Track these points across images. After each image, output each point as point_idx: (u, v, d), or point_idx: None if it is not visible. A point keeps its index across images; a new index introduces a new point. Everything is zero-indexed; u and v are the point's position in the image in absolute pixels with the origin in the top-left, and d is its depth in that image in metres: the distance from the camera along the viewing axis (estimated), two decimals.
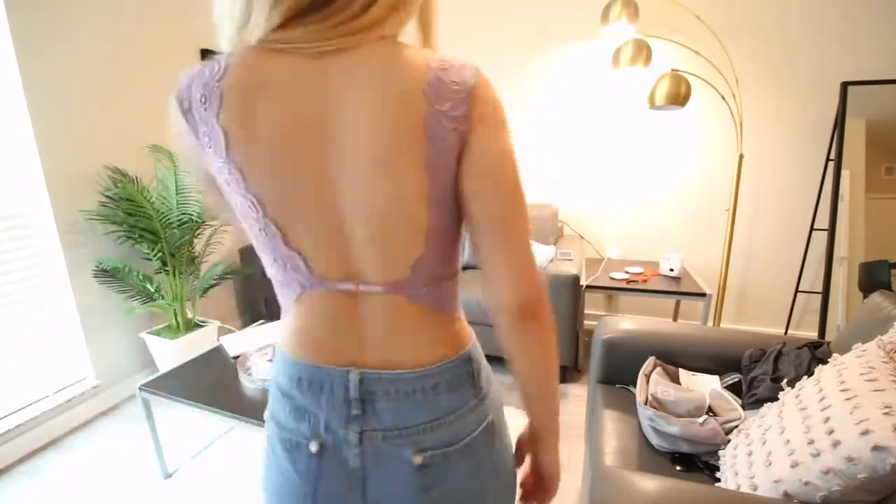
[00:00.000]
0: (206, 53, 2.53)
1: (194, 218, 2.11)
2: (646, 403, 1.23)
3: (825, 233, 2.30)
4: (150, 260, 2.11)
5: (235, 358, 1.76)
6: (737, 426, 1.13)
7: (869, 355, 0.94)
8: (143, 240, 2.06)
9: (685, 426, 1.13)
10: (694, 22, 2.22)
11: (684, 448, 1.14)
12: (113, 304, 2.13)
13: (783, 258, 2.52)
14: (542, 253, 2.30)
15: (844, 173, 2.22)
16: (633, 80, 2.52)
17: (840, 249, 2.24)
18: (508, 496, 0.59)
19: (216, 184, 0.51)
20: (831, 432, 0.82)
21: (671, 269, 2.30)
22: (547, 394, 0.57)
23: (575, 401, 2.13)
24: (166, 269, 2.12)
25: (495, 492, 0.56)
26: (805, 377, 1.07)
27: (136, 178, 2.14)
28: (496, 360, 2.37)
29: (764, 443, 0.95)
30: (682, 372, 1.39)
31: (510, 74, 2.71)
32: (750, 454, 0.97)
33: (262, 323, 2.06)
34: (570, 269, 2.13)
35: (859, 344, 1.02)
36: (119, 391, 2.19)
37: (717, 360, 1.41)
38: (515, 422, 1.92)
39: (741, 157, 2.26)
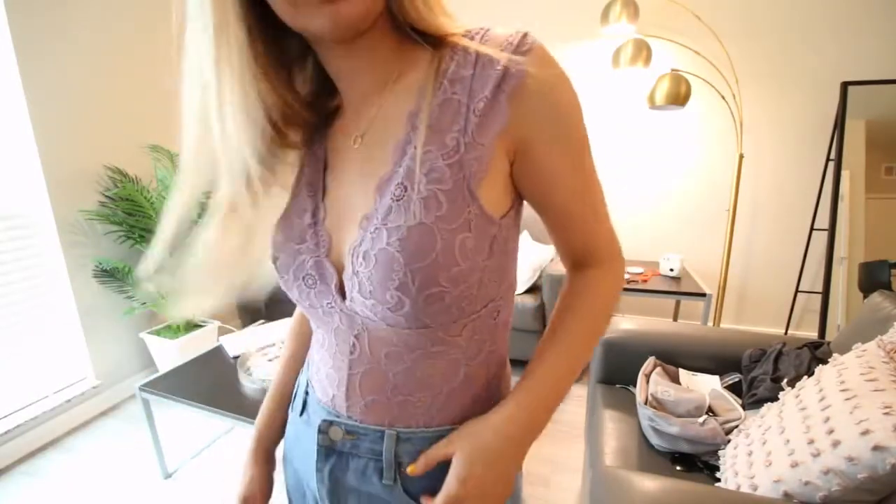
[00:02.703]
0: None
1: (194, 218, 2.10)
2: (646, 403, 1.23)
3: (825, 233, 2.30)
4: None
5: (235, 358, 1.76)
6: (737, 426, 1.13)
7: (869, 355, 0.94)
8: (143, 240, 2.06)
9: (685, 426, 1.13)
10: (694, 22, 2.22)
11: (684, 448, 1.14)
12: (113, 304, 2.13)
13: (783, 258, 2.52)
14: (541, 253, 2.30)
15: (844, 173, 2.22)
16: (633, 80, 2.52)
17: (840, 249, 2.24)
18: None
19: None
20: (831, 432, 0.81)
21: (671, 269, 2.30)
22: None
23: (575, 401, 2.13)
24: None
25: None
26: (805, 377, 1.07)
27: (136, 178, 2.14)
28: None
29: (764, 443, 0.95)
30: (682, 372, 1.39)
31: None
32: (750, 454, 0.97)
33: (262, 323, 2.05)
34: None
35: (859, 344, 1.02)
36: (119, 391, 2.19)
37: (717, 360, 1.41)
38: None
39: (741, 157, 2.26)
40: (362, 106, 0.44)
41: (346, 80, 0.44)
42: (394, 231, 0.38)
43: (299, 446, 0.54)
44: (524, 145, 0.40)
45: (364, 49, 0.41)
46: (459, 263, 0.39)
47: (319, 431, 0.48)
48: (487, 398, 0.49)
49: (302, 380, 0.56)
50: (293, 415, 0.56)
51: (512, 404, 0.45)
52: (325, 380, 0.48)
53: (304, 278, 0.45)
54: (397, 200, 0.39)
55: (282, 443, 0.61)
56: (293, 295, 0.47)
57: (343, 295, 0.43)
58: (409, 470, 0.44)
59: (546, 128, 0.40)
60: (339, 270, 0.43)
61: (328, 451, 0.48)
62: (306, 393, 0.53)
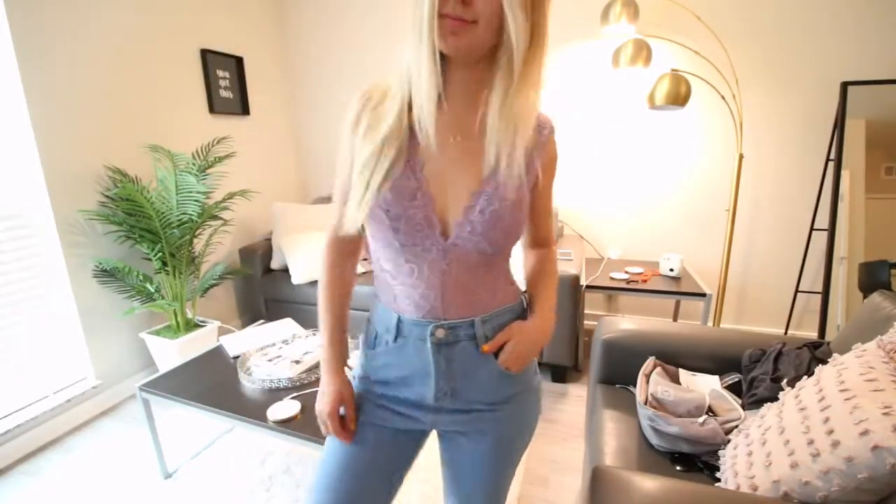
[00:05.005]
0: (206, 54, 2.53)
1: (194, 218, 2.11)
2: (646, 403, 1.23)
3: (825, 233, 2.30)
4: (150, 260, 2.11)
5: (235, 358, 1.76)
6: (737, 426, 1.13)
7: (869, 355, 0.94)
8: (143, 240, 2.06)
9: (685, 426, 1.13)
10: (694, 22, 2.22)
11: (684, 448, 1.14)
12: (113, 304, 2.13)
13: (783, 258, 2.52)
14: None
15: (844, 173, 2.22)
16: (633, 80, 2.52)
17: (840, 249, 2.24)
18: None
19: None
20: (831, 432, 0.82)
21: (671, 269, 2.30)
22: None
23: (575, 401, 2.13)
24: (166, 269, 2.12)
25: None
26: (805, 377, 1.07)
27: (136, 178, 2.14)
28: None
29: (764, 443, 0.95)
30: (682, 372, 1.39)
31: None
32: (750, 454, 0.97)
33: (262, 323, 2.06)
34: (570, 269, 2.14)
35: (859, 344, 1.02)
36: (119, 391, 2.19)
37: (717, 360, 1.41)
38: None
39: (741, 157, 2.26)
40: (464, 114, 0.66)
41: (459, 91, 0.65)
42: (497, 201, 0.65)
43: (402, 364, 0.74)
44: (541, 170, 0.72)
45: (477, 75, 0.64)
46: (523, 221, 0.71)
47: (430, 335, 0.70)
48: (512, 291, 0.77)
49: (385, 321, 0.75)
50: (382, 348, 0.76)
51: (539, 315, 0.76)
52: (419, 300, 0.70)
53: (414, 224, 0.65)
54: (497, 185, 0.65)
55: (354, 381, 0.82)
56: (398, 236, 0.66)
57: (444, 236, 0.66)
58: (484, 349, 0.72)
59: (550, 166, 0.75)
60: (442, 220, 0.66)
61: (438, 345, 0.71)
62: (397, 325, 0.73)
